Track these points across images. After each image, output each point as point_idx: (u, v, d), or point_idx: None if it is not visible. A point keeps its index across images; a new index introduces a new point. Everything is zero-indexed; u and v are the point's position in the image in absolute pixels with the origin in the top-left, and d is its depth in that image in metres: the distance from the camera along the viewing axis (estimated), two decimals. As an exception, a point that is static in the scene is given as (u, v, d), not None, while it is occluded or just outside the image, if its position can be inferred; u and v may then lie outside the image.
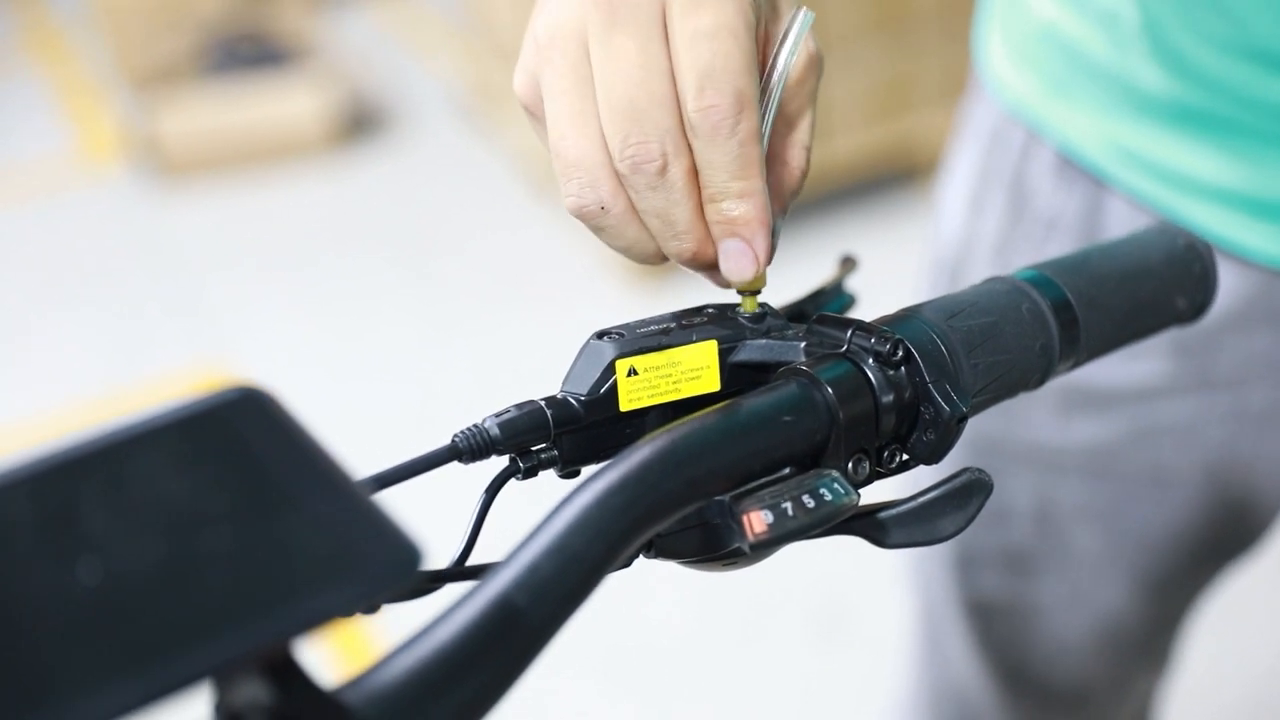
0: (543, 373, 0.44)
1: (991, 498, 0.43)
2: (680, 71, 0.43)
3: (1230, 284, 0.72)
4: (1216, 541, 0.86)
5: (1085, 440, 0.82)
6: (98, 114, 3.49)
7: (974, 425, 0.81)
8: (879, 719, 1.16)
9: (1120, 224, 0.74)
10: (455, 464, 0.42)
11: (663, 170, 0.43)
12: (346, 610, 0.29)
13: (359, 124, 3.27)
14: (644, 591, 1.87)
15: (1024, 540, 0.87)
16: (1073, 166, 0.76)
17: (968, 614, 0.93)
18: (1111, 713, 0.98)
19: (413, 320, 2.62)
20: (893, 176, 2.78)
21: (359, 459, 0.41)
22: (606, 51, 0.43)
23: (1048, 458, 0.83)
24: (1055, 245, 0.77)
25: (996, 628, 0.93)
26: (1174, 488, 0.82)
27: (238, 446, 0.29)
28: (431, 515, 0.87)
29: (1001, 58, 0.81)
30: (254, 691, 0.29)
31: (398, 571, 0.29)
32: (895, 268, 1.33)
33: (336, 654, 1.84)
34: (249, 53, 3.27)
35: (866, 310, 0.46)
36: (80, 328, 2.68)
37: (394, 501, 0.38)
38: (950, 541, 0.87)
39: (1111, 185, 0.75)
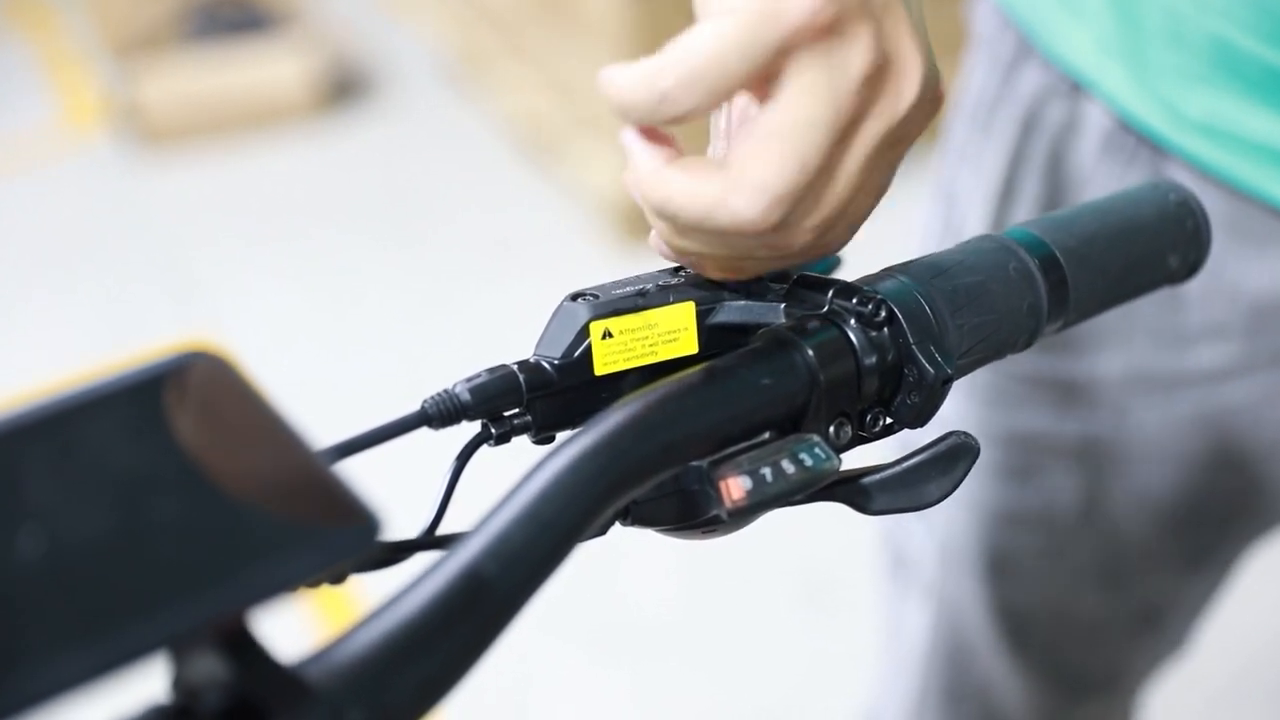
0: (532, 340, 0.43)
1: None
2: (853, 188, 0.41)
3: None
4: (1267, 518, 0.82)
5: (1144, 427, 0.76)
6: (81, 83, 3.46)
7: (1010, 427, 0.76)
8: (865, 685, 1.16)
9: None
10: (428, 431, 0.41)
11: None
12: (303, 581, 0.28)
13: (344, 89, 3.24)
14: (631, 558, 1.87)
15: (1068, 539, 0.82)
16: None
17: (1000, 617, 0.88)
18: (1125, 693, 0.96)
19: (400, 287, 2.60)
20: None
21: (345, 429, 0.40)
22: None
23: (1101, 449, 0.78)
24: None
25: (1032, 631, 0.88)
26: (1236, 470, 0.77)
27: (192, 412, 0.28)
28: (405, 483, 0.86)
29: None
30: (211, 666, 0.29)
31: (356, 541, 0.28)
32: (892, 232, 1.32)
33: (326, 623, 1.84)
34: (231, 17, 3.23)
35: (859, 273, 0.45)
36: (63, 298, 2.66)
37: (367, 469, 0.37)
38: (988, 547, 0.83)
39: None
